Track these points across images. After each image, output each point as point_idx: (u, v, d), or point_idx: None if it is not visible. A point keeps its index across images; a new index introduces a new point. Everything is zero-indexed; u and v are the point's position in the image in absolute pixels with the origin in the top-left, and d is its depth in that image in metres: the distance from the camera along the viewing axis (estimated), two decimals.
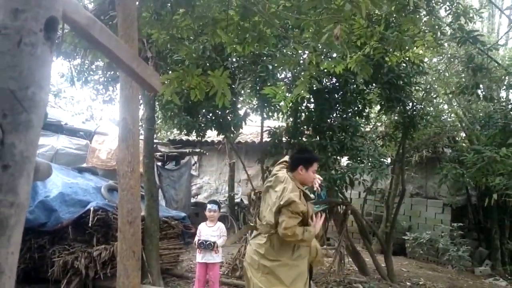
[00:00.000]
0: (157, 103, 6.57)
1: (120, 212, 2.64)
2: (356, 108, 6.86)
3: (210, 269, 5.20)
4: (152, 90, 1.31)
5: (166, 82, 4.05)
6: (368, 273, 7.14)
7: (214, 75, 4.12)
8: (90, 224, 5.01)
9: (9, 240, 0.86)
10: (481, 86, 7.11)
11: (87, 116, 9.12)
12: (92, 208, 5.09)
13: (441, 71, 8.86)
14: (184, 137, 11.46)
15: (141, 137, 6.10)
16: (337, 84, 6.65)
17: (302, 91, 4.86)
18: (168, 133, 12.74)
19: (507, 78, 7.33)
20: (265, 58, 6.00)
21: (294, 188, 3.25)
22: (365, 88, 6.76)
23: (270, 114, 7.04)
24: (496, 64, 6.97)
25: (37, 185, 5.23)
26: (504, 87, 8.30)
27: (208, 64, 5.63)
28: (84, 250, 4.99)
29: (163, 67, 6.11)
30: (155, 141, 7.73)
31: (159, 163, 9.72)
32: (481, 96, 7.03)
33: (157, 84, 1.30)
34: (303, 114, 6.89)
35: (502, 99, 8.38)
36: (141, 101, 6.37)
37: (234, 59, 6.42)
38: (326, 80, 6.73)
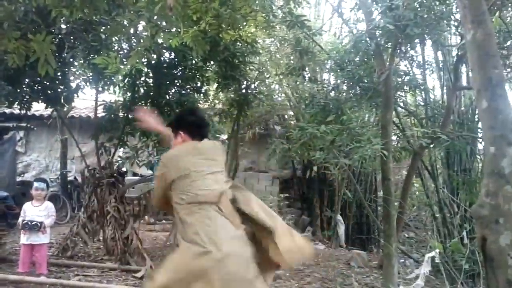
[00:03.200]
0: None
1: None
2: (194, 85, 6.93)
3: (37, 250, 4.94)
4: None
5: None
6: None
7: (36, 39, 3.76)
8: None
9: None
10: (306, 68, 7.78)
11: None
12: None
13: (273, 52, 9.44)
14: (7, 110, 10.22)
15: None
16: (175, 59, 6.61)
17: (138, 64, 4.72)
18: None
19: (328, 61, 8.14)
20: (97, 26, 5.65)
21: None
22: (203, 65, 6.85)
23: (105, 87, 6.70)
24: (320, 48, 7.68)
25: None
26: (326, 70, 9.23)
27: (31, 28, 5.07)
28: None
29: None
30: None
31: None
32: (306, 78, 7.71)
33: None
34: (141, 88, 6.71)
35: (324, 81, 9.28)
36: None
37: (62, 26, 5.90)
38: (165, 55, 6.65)
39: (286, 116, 11.26)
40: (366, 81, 6.40)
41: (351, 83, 6.69)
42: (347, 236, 10.32)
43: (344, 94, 7.36)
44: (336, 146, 6.40)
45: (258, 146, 11.52)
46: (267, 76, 9.31)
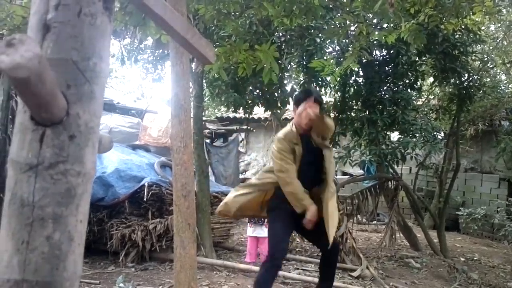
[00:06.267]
0: (204, 80, 6.62)
1: (174, 186, 2.70)
2: (408, 81, 6.62)
3: (261, 242, 5.33)
4: (206, 61, 1.31)
5: None
6: (420, 248, 7.01)
7: (261, 49, 4.09)
8: (145, 199, 5.17)
9: (77, 209, 0.89)
10: None
11: (138, 95, 9.36)
12: (146, 184, 5.24)
13: (499, 39, 8.40)
14: (231, 114, 11.53)
15: (191, 114, 6.18)
16: (387, 56, 6.44)
17: (352, 64, 4.73)
18: (216, 110, 12.86)
19: None
20: (312, 31, 5.87)
21: (286, 129, 3.46)
22: (417, 59, 6.50)
23: (317, 89, 6.93)
24: None
25: None
26: None
27: (255, 39, 5.58)
28: (140, 223, 5.16)
29: None
30: (203, 118, 7.83)
31: (208, 140, 9.87)
32: None
33: (211, 55, 1.29)
34: (351, 88, 6.73)
35: None
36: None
37: (280, 34, 6.32)
38: (377, 52, 6.53)
39: None
40: None
41: None
42: None
43: None
44: None
45: (482, 144, 10.38)
46: (492, 66, 8.29)
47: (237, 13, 5.05)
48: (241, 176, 11.79)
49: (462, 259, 7.07)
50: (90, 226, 5.20)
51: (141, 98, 9.44)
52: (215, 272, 5.04)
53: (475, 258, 7.20)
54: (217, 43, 5.88)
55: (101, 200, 5.21)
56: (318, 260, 5.77)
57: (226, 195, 6.40)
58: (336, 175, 10.85)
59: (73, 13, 0.86)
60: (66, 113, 0.84)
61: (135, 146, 7.01)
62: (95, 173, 0.95)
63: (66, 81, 0.85)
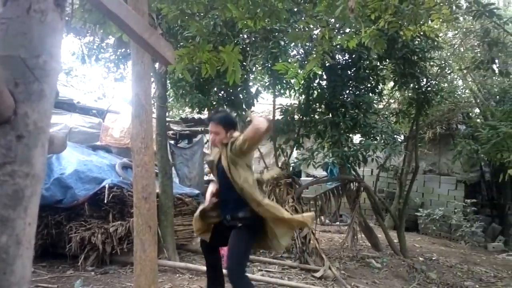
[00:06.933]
0: (168, 81, 6.55)
1: (135, 188, 2.65)
2: (369, 85, 6.78)
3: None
4: (165, 61, 1.29)
5: (177, 58, 4.01)
6: (380, 248, 7.17)
7: (225, 50, 4.09)
8: (105, 201, 5.05)
9: (25, 211, 0.86)
10: (496, 61, 6.97)
11: (99, 94, 9.15)
12: (107, 185, 5.12)
13: (456, 46, 8.71)
14: (196, 115, 11.44)
15: (154, 115, 6.09)
16: (350, 60, 6.56)
17: (315, 67, 4.79)
18: (180, 111, 12.74)
19: None
20: (277, 34, 5.91)
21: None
22: (378, 64, 6.66)
23: (282, 91, 6.99)
24: None
25: (52, 163, 5.27)
26: None
27: (219, 41, 5.57)
28: (101, 226, 5.03)
29: (173, 44, 6.05)
30: (167, 119, 7.74)
31: (172, 141, 9.76)
32: (496, 71, 6.89)
33: (170, 55, 1.28)
34: (315, 91, 6.83)
35: None
36: (152, 79, 6.35)
37: (245, 36, 6.34)
38: (339, 56, 6.64)
39: (471, 114, 10.26)
40: None
41: None
42: None
43: None
44: None
45: (439, 147, 10.74)
46: (449, 71, 8.59)
47: (201, 14, 5.03)
48: (205, 178, 11.70)
49: (421, 259, 7.27)
50: (48, 229, 5.04)
51: (103, 98, 9.21)
52: (177, 275, 4.99)
53: (433, 258, 7.43)
54: (181, 44, 5.82)
55: (59, 202, 5.04)
56: (282, 261, 5.86)
57: (190, 197, 6.40)
58: (300, 177, 10.95)
59: (22, 9, 0.83)
60: (14, 112, 0.82)
61: (96, 146, 6.85)
62: (45, 174, 0.92)
63: (14, 79, 0.83)
